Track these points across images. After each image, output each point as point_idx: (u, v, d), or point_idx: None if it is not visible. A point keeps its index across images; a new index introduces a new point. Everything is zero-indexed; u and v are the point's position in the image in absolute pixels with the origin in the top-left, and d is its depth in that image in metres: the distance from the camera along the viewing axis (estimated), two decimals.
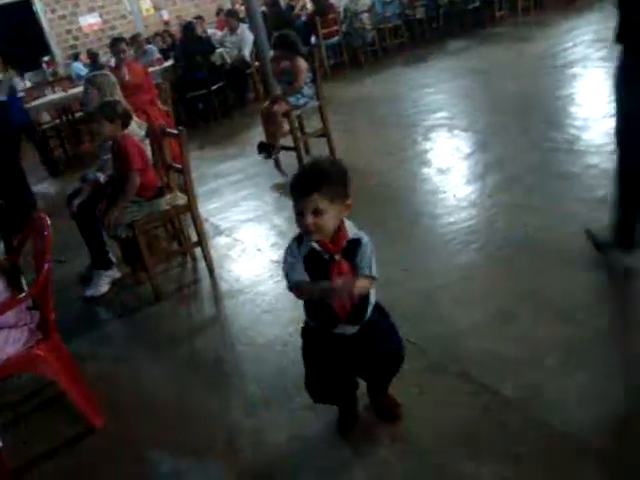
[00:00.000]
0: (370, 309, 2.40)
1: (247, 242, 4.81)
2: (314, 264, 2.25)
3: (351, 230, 2.28)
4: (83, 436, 3.08)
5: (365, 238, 2.27)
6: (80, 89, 9.95)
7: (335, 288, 2.15)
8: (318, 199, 2.14)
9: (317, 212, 2.15)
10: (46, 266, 2.91)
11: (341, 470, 2.48)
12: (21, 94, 9.53)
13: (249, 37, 10.28)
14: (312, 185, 2.15)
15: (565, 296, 3.19)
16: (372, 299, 2.41)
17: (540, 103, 6.55)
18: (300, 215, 2.18)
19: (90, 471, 2.89)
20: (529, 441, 2.39)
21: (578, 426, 2.38)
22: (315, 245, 2.24)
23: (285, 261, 2.32)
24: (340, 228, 2.24)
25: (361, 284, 2.22)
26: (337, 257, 2.24)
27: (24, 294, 3.06)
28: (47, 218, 3.11)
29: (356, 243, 2.25)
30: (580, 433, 2.35)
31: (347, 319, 2.36)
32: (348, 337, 2.41)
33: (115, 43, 7.25)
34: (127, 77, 6.89)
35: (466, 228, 4.17)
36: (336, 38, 11.73)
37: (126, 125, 4.16)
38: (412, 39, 12.14)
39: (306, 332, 2.50)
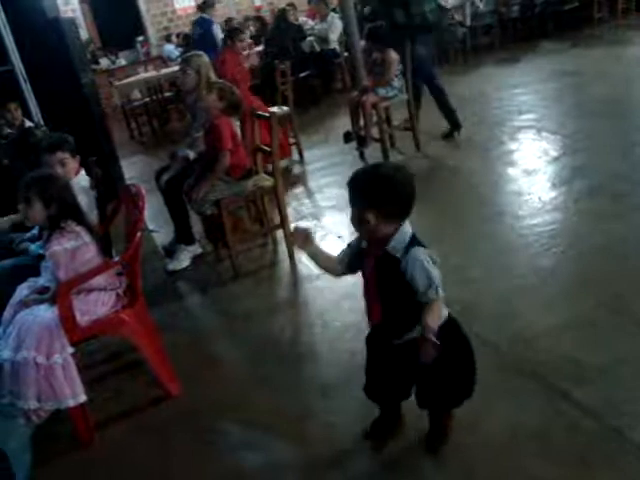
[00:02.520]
0: (414, 331, 2.26)
1: (328, 229, 4.86)
2: (359, 256, 2.34)
3: (398, 244, 2.17)
4: (159, 401, 3.20)
5: (412, 256, 2.13)
6: (171, 69, 10.31)
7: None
8: (353, 196, 2.20)
9: (352, 207, 2.21)
10: (138, 234, 3.04)
11: (410, 456, 2.51)
12: None
13: (338, 24, 10.33)
14: (350, 181, 2.21)
15: None
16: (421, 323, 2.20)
17: (634, 110, 6.37)
18: None
19: (160, 435, 2.99)
20: (602, 449, 2.36)
21: None
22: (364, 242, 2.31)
23: None
24: (383, 235, 2.18)
25: (430, 319, 2.15)
26: (367, 260, 2.29)
27: (117, 259, 3.20)
28: (142, 188, 3.24)
29: (393, 260, 2.17)
30: None
31: (381, 323, 2.37)
32: (396, 345, 2.36)
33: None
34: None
35: (549, 231, 4.11)
36: None
37: (229, 113, 4.29)
38: (504, 38, 11.93)
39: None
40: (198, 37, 10.39)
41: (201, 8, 10.81)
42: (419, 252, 2.14)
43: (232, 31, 7.61)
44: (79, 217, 3.02)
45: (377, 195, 2.15)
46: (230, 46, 7.45)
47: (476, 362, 2.41)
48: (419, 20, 6.40)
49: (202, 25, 10.44)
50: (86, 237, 2.97)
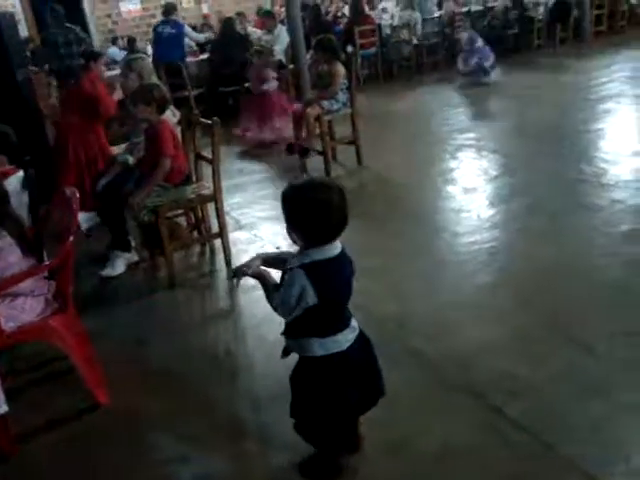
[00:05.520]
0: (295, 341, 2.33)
1: (266, 239, 4.82)
2: None
3: (303, 258, 2.15)
4: (87, 411, 3.08)
5: (293, 272, 2.13)
6: (114, 72, 10.12)
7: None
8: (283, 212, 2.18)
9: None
10: (70, 239, 2.93)
11: (343, 474, 2.47)
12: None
13: (285, 37, 10.34)
14: (281, 196, 2.18)
15: (582, 325, 3.20)
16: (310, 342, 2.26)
17: (571, 134, 6.54)
18: None
19: (88, 447, 2.88)
20: (536, 465, 2.38)
21: (590, 455, 2.37)
22: None
23: None
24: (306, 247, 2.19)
25: (259, 277, 2.28)
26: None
27: (45, 264, 3.08)
28: (76, 192, 3.13)
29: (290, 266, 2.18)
30: (591, 463, 2.33)
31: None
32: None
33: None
34: None
35: (487, 249, 4.17)
36: (373, 49, 11.77)
37: (163, 110, 4.20)
38: (448, 58, 12.13)
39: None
40: (168, 35, 10.29)
41: (167, 12, 10.59)
42: (297, 276, 2.11)
43: (92, 53, 6.48)
44: (4, 218, 2.89)
45: (299, 218, 2.13)
46: (92, 69, 6.06)
47: (336, 412, 2.33)
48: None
49: (174, 26, 10.35)
50: (9, 239, 2.84)
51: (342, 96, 6.26)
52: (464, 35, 10.30)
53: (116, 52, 13.33)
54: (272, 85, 8.08)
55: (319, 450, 2.49)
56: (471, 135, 7.02)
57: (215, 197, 4.34)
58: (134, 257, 4.75)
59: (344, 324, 2.28)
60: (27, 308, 2.94)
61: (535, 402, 2.69)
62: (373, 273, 3.99)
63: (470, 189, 5.32)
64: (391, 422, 2.68)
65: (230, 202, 5.72)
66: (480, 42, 9.93)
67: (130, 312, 4.15)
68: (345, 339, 2.27)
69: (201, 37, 11.64)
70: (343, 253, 2.21)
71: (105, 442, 2.89)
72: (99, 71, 6.08)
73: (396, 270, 4.05)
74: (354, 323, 2.33)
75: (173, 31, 10.27)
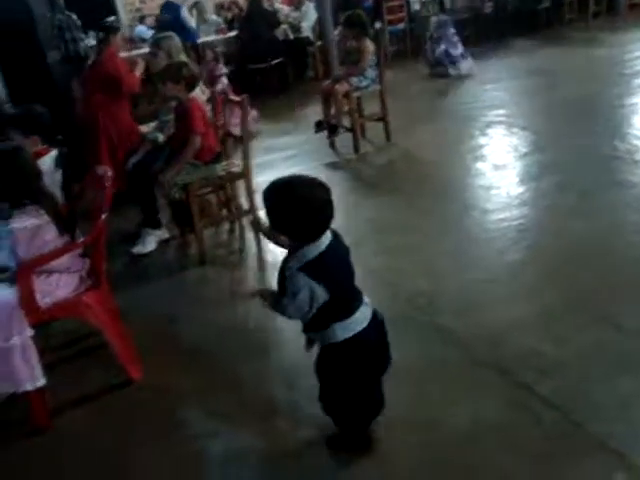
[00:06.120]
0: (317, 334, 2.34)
1: None
2: None
3: (299, 260, 2.13)
4: (120, 387, 3.13)
5: (294, 277, 2.11)
6: (142, 51, 10.15)
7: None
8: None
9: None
10: (103, 217, 2.97)
11: (375, 451, 2.49)
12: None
13: (312, 14, 10.29)
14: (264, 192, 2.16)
15: (610, 301, 3.18)
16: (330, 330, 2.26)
17: (603, 110, 6.43)
18: None
19: (122, 421, 2.93)
20: (565, 442, 2.38)
21: (619, 433, 2.36)
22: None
23: None
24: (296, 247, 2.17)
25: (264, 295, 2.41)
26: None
27: (80, 241, 3.13)
28: (109, 170, 3.17)
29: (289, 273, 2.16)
30: (621, 441, 2.32)
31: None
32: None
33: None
34: None
35: (517, 226, 4.14)
36: (401, 25, 11.65)
37: (192, 88, 4.21)
38: (477, 33, 11.94)
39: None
40: (166, 24, 10.06)
41: None
42: (301, 279, 2.10)
43: (112, 26, 6.08)
44: (40, 196, 2.94)
45: (285, 217, 2.12)
46: (111, 42, 5.81)
47: (366, 394, 2.39)
48: None
49: (169, 10, 10.07)
50: (46, 217, 2.89)
51: (371, 72, 6.22)
52: (433, 19, 9.86)
53: (144, 30, 13.33)
54: (224, 83, 7.85)
55: (348, 428, 2.51)
56: (501, 112, 6.94)
57: (245, 175, 4.35)
58: (165, 234, 4.80)
59: (358, 301, 2.29)
60: (62, 284, 3.00)
61: (564, 379, 2.68)
62: (403, 250, 4.00)
63: (500, 166, 5.27)
64: (420, 398, 2.71)
65: (259, 180, 5.71)
66: (450, 29, 9.53)
67: (161, 289, 4.20)
68: (363, 316, 2.28)
69: (192, 23, 10.83)
70: (334, 238, 2.20)
71: (136, 417, 2.94)
72: (117, 45, 6.02)
73: (425, 247, 4.05)
74: (365, 298, 2.34)
75: (168, 16, 10.01)
